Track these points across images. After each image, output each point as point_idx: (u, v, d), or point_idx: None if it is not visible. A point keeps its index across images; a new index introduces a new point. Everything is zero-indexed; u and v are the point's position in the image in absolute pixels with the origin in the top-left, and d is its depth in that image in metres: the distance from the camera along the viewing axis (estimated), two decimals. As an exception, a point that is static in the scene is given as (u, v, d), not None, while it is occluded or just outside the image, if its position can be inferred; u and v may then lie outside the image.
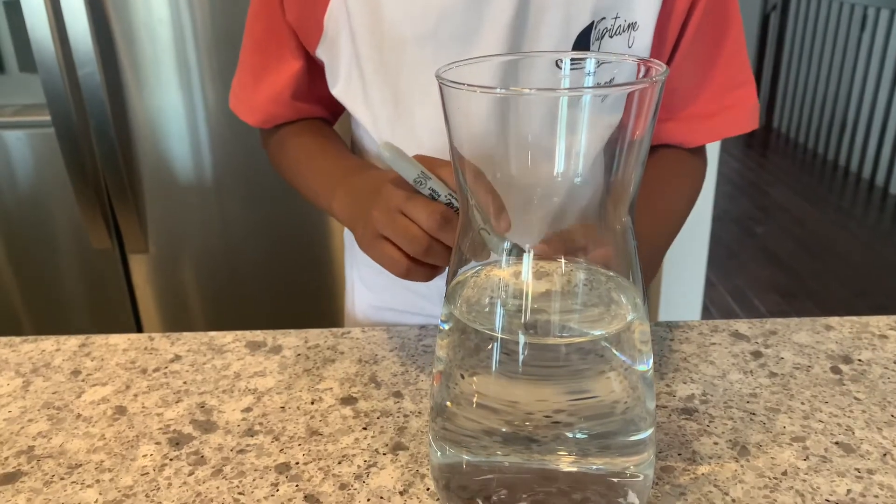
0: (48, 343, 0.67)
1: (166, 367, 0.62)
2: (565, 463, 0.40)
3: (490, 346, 0.40)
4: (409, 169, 0.51)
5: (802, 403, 0.55)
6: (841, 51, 3.84)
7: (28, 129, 1.47)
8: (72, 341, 0.67)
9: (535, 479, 0.41)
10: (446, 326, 0.42)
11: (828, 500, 0.45)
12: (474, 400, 0.41)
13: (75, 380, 0.61)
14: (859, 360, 0.60)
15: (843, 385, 0.57)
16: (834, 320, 0.66)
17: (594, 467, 0.41)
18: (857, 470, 0.48)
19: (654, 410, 0.43)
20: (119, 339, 0.67)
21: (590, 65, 0.42)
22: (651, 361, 0.42)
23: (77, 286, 1.61)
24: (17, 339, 0.68)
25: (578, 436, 0.40)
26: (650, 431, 0.42)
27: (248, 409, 0.56)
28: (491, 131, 0.37)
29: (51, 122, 1.41)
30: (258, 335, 0.67)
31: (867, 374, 0.58)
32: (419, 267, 0.53)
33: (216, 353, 0.64)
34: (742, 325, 0.65)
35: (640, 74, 0.38)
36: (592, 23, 0.61)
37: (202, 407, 0.57)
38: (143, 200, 1.51)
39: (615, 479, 0.42)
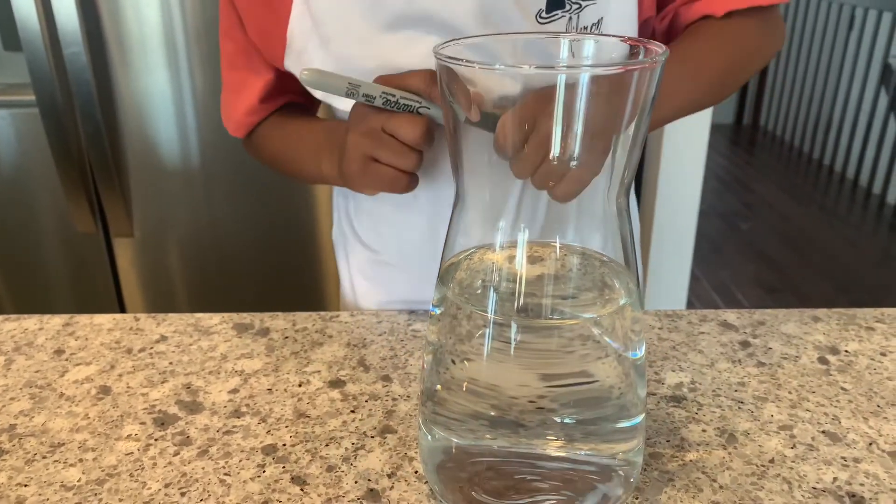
0: (31, 322, 0.66)
1: (152, 348, 0.62)
2: (555, 448, 0.40)
3: (482, 329, 0.39)
4: (338, 83, 0.53)
5: (790, 393, 0.55)
6: (828, 50, 3.86)
7: (12, 108, 1.45)
8: (55, 320, 0.66)
9: (524, 464, 0.41)
10: (437, 311, 0.42)
11: (814, 488, 0.45)
12: (464, 384, 0.40)
13: (59, 359, 0.60)
14: (846, 351, 0.60)
15: (830, 375, 0.57)
16: (821, 312, 0.66)
17: (583, 453, 0.41)
18: (844, 458, 0.48)
19: (645, 398, 0.43)
20: (104, 319, 0.66)
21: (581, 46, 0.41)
22: (643, 349, 0.42)
23: (61, 270, 1.60)
24: (-1, 318, 0.67)
25: (567, 421, 0.40)
26: (640, 418, 0.42)
27: (234, 391, 0.56)
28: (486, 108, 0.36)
29: (35, 101, 1.39)
30: (245, 317, 0.66)
31: (854, 364, 0.58)
32: (412, 178, 0.57)
33: (202, 335, 0.63)
34: (731, 315, 0.66)
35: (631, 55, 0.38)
36: None
37: (188, 388, 0.56)
38: (128, 183, 1.49)
39: (604, 465, 0.41)
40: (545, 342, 0.39)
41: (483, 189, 0.39)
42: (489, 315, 0.39)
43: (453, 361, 0.41)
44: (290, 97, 0.76)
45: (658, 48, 0.36)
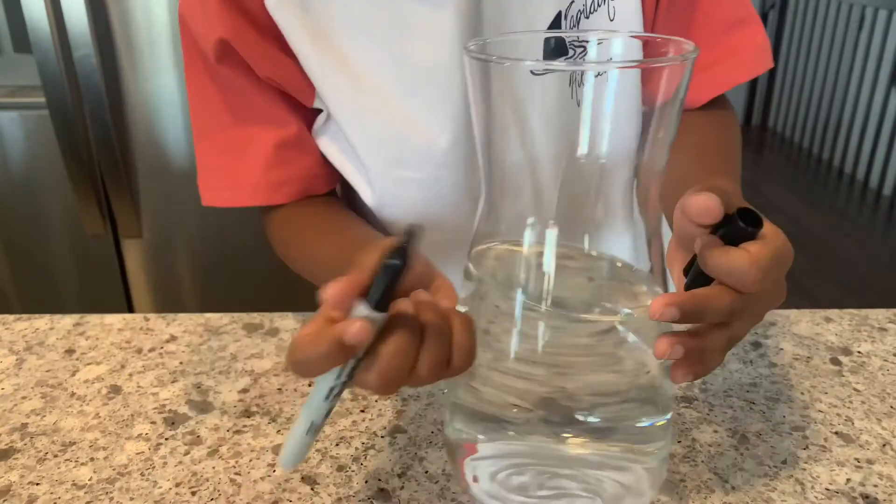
0: (42, 321, 0.66)
1: (162, 348, 0.62)
2: (579, 445, 0.40)
3: (508, 326, 0.39)
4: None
5: (802, 394, 0.54)
6: (838, 50, 3.84)
7: (22, 110, 1.46)
8: (66, 320, 0.66)
9: (548, 461, 0.40)
10: (464, 309, 0.42)
11: (827, 489, 0.45)
12: (490, 381, 0.40)
13: (69, 358, 0.60)
14: (859, 352, 0.60)
15: (843, 376, 0.56)
16: (833, 312, 0.66)
17: (608, 451, 0.40)
18: (857, 460, 0.48)
19: (672, 396, 0.42)
20: (114, 319, 0.66)
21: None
22: None
23: (70, 271, 1.60)
24: (10, 318, 0.67)
25: (593, 419, 0.39)
26: (668, 417, 0.42)
27: (244, 391, 0.56)
28: (518, 108, 0.37)
29: (45, 103, 1.39)
30: (255, 317, 0.66)
31: (866, 365, 0.58)
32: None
33: (212, 335, 0.63)
34: (741, 316, 0.65)
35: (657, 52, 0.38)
36: (560, 13, 0.56)
37: (198, 387, 0.56)
38: (137, 185, 1.50)
39: (630, 464, 0.41)
40: (572, 340, 0.38)
41: (510, 187, 0.39)
42: (515, 312, 0.39)
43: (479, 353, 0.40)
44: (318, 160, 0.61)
45: (687, 45, 0.36)
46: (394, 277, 0.32)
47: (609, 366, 0.39)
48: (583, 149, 0.36)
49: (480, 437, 0.42)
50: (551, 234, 0.38)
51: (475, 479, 0.42)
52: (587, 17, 0.57)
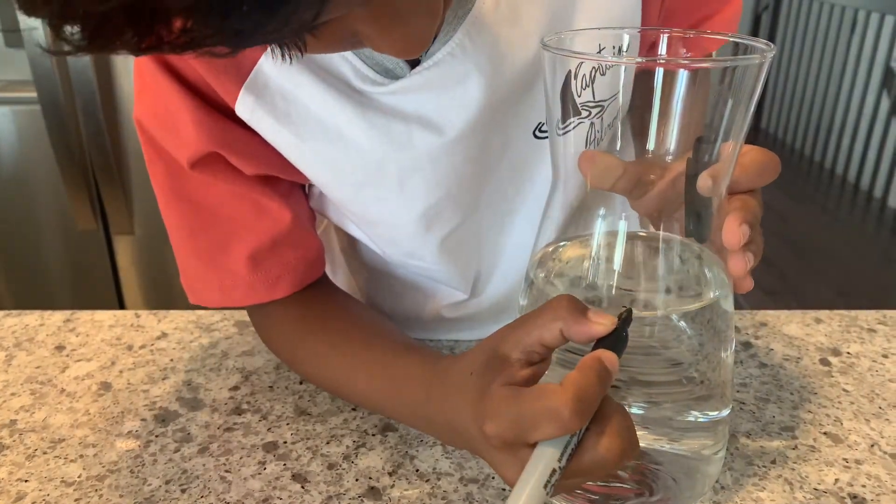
0: (32, 318, 0.66)
1: (153, 345, 0.62)
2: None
3: None
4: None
5: (791, 394, 0.55)
6: (831, 53, 3.86)
7: (14, 105, 1.45)
8: (56, 316, 0.66)
9: None
10: (524, 301, 0.42)
11: (816, 489, 0.45)
12: (551, 371, 0.39)
13: (59, 355, 0.60)
14: (848, 353, 0.60)
15: (832, 377, 0.57)
16: (823, 313, 0.66)
17: (664, 446, 0.40)
18: (845, 460, 0.48)
19: (731, 393, 0.43)
20: (105, 316, 0.66)
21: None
22: (733, 345, 0.42)
23: (61, 267, 1.59)
24: (0, 313, 0.67)
25: (650, 415, 0.39)
26: (725, 413, 0.42)
27: (235, 388, 0.56)
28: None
29: (37, 98, 1.39)
30: (246, 314, 0.66)
31: (855, 366, 0.58)
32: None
33: (204, 332, 0.63)
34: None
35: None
36: (570, 72, 0.54)
37: (189, 385, 0.56)
38: (129, 181, 1.49)
39: (683, 460, 0.41)
40: (636, 334, 0.38)
41: (579, 176, 0.39)
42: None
43: None
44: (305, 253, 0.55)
45: (765, 45, 0.36)
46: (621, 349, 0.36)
47: (672, 359, 0.40)
48: (650, 144, 0.37)
49: None
50: (622, 224, 0.38)
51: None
52: (603, 74, 0.55)
